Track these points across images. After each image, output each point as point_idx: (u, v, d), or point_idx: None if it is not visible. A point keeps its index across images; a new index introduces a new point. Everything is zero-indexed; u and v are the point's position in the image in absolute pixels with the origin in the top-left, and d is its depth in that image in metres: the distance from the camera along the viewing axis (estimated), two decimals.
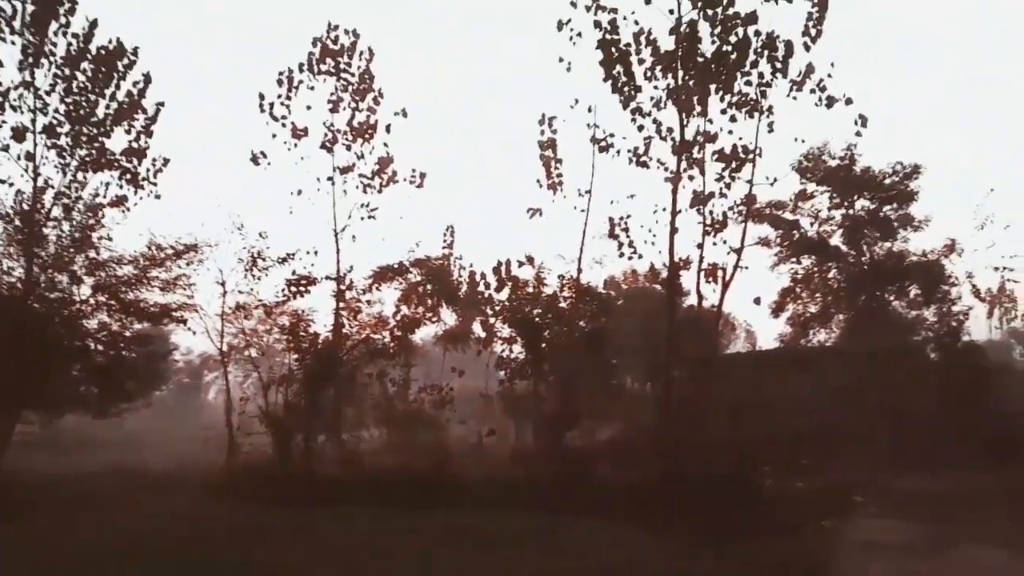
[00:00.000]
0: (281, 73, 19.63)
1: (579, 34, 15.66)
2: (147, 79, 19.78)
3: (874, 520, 13.13)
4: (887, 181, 31.92)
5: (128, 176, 20.04)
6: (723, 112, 15.72)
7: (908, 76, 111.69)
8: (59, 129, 19.15)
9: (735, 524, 11.64)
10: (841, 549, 10.85)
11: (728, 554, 9.92)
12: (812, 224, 32.90)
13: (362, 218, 20.49)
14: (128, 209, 20.16)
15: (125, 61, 19.64)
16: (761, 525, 11.92)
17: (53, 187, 19.27)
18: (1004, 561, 10.18)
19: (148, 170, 20.18)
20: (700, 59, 15.79)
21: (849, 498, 14.73)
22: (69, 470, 19.71)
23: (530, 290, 19.96)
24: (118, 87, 19.60)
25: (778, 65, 15.58)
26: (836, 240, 33.38)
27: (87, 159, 19.59)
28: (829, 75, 16.07)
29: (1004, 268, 33.25)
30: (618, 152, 16.72)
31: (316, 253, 20.26)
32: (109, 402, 21.26)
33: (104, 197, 19.93)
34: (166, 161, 20.34)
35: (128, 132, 19.75)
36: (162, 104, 20.02)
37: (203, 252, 21.68)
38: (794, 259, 33.43)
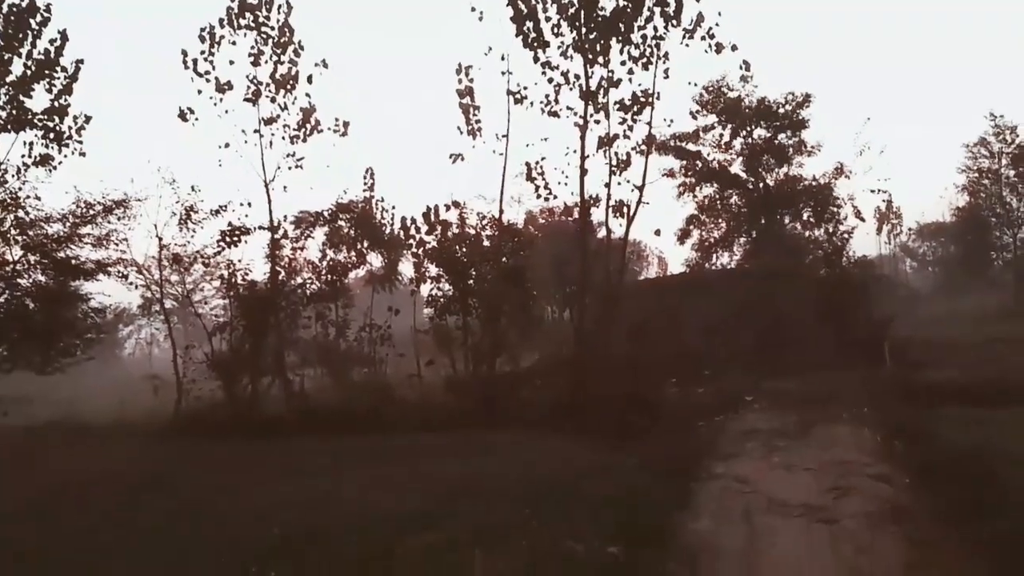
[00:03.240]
0: (203, 29, 19.99)
1: None
2: (63, 36, 19.73)
3: (757, 414, 15.55)
4: (781, 111, 34.30)
5: (51, 135, 20.22)
6: (622, 64, 17.36)
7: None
8: None
9: (638, 428, 13.75)
10: (727, 436, 13.13)
11: (631, 450, 11.93)
12: (713, 154, 35.15)
13: (290, 168, 21.25)
14: (54, 168, 20.39)
15: (38, 19, 19.63)
16: (663, 426, 14.12)
17: None
18: (846, 433, 12.70)
19: (70, 128, 20.36)
20: (601, 12, 17.31)
21: (739, 399, 17.22)
22: (20, 423, 20.50)
23: (455, 231, 21.27)
24: (34, 45, 19.61)
25: (671, 18, 17.20)
26: (736, 168, 35.81)
27: (7, 119, 19.71)
28: (717, 24, 17.81)
29: (879, 191, 36.30)
30: (531, 104, 18.15)
31: (250, 205, 21.03)
32: (51, 359, 21.90)
33: (28, 157, 20.13)
34: (88, 118, 20.41)
35: (49, 91, 19.88)
36: (81, 61, 20.01)
37: (133, 207, 22.16)
38: (697, 187, 35.73)
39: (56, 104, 20.05)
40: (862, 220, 33.77)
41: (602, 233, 20.61)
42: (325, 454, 13.99)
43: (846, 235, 32.03)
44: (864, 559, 6.65)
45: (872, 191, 35.55)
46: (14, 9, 19.26)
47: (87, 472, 13.64)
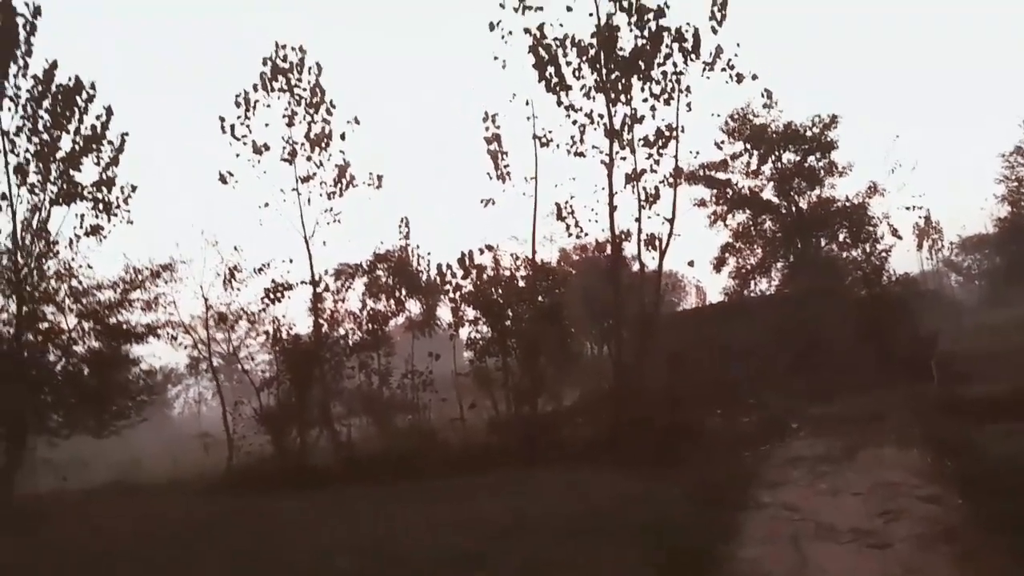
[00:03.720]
0: (238, 95, 20.96)
1: (510, 32, 17.54)
2: (108, 112, 20.95)
3: (802, 440, 15.43)
4: (808, 133, 34.24)
5: (100, 205, 21.19)
6: (644, 101, 17.75)
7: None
8: (28, 167, 20.27)
9: (678, 457, 13.75)
10: (772, 464, 13.06)
11: (674, 479, 11.94)
12: (743, 181, 35.11)
13: (328, 222, 21.99)
14: (104, 237, 21.35)
15: (84, 96, 20.76)
16: (706, 455, 14.07)
17: (31, 224, 20.43)
18: (893, 454, 12.56)
19: (118, 197, 21.33)
20: (620, 52, 17.76)
21: (784, 425, 17.07)
22: (78, 486, 21.12)
23: (490, 273, 21.63)
24: (81, 121, 20.73)
25: (689, 53, 17.57)
26: (768, 194, 35.68)
27: (58, 194, 20.72)
28: (736, 55, 18.14)
29: (914, 207, 35.83)
30: (558, 146, 18.60)
31: (291, 261, 21.80)
32: (105, 422, 22.61)
33: (80, 228, 21.09)
34: (134, 188, 21.55)
35: (97, 164, 20.92)
36: (126, 134, 21.20)
37: (178, 270, 23.05)
38: (730, 215, 35.62)
39: (104, 176, 21.12)
40: (899, 238, 33.33)
41: (636, 266, 20.78)
42: (373, 500, 14.22)
43: (884, 253, 31.60)
44: None
45: (907, 208, 35.07)
46: (61, 88, 20.43)
47: (147, 528, 14.12)
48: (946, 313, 43.55)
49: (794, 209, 35.15)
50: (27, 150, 20.15)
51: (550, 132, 18.58)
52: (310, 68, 21.52)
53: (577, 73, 17.56)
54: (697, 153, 22.01)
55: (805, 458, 13.10)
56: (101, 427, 22.22)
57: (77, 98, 20.55)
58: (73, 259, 21.16)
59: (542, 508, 10.91)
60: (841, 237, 34.56)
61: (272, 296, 21.76)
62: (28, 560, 11.89)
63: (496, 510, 11.28)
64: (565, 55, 17.40)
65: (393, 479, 16.64)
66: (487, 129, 20.56)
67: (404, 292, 25.63)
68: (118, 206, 21.36)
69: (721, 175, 34.44)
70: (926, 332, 23.96)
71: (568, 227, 19.68)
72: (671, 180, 19.11)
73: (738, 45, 18.19)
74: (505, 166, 20.65)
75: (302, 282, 22.00)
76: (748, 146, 34.25)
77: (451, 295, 21.92)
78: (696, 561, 7.49)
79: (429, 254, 25.64)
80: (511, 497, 12.32)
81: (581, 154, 18.25)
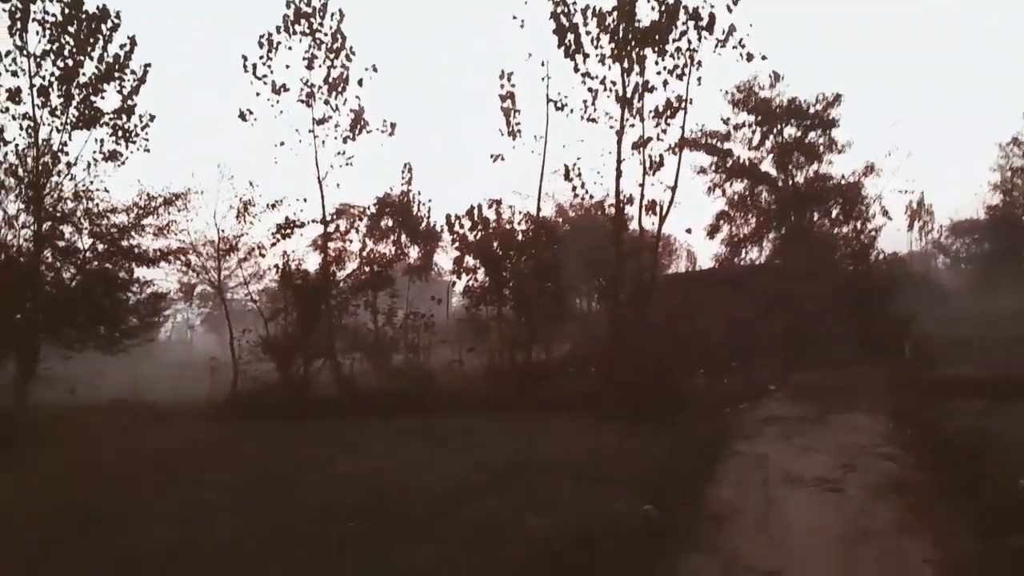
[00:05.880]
0: (261, 36, 21.37)
1: None
2: (132, 42, 21.38)
3: (779, 403, 16.65)
4: (811, 110, 34.89)
5: (119, 132, 21.77)
6: (657, 74, 18.44)
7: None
8: (51, 90, 20.78)
9: (667, 414, 14.87)
10: (750, 421, 14.24)
11: (661, 433, 13.04)
12: (743, 153, 35.82)
13: (341, 165, 22.61)
14: (122, 163, 21.97)
15: (109, 25, 21.17)
16: (691, 413, 15.21)
17: (52, 145, 21.03)
18: (862, 421, 13.77)
19: (136, 125, 21.90)
20: (638, 23, 18.39)
21: (763, 389, 18.27)
22: (86, 402, 22.09)
23: (493, 226, 22.42)
24: (105, 49, 21.18)
25: (703, 30, 18.20)
26: (767, 166, 36.43)
27: (79, 118, 21.27)
28: (748, 34, 18.75)
29: (906, 191, 36.79)
30: (572, 111, 19.28)
31: (305, 200, 22.51)
32: (116, 340, 23.55)
33: (99, 152, 21.70)
34: (152, 117, 22.03)
35: (119, 92, 21.44)
36: (149, 65, 21.65)
37: (192, 199, 23.79)
38: (728, 183, 36.39)
39: (125, 104, 21.64)
40: (889, 219, 34.29)
41: (633, 225, 21.54)
42: (378, 434, 15.26)
43: (873, 233, 32.58)
44: (864, 519, 7.77)
45: (900, 191, 36.03)
46: (86, 15, 20.82)
47: (165, 447, 15.10)
48: (931, 296, 44.82)
49: (791, 182, 35.90)
50: (52, 73, 20.57)
51: (565, 97, 19.26)
52: (332, 14, 21.88)
53: (595, 42, 18.21)
54: (703, 126, 22.76)
55: (781, 418, 14.32)
56: (112, 343, 23.20)
57: (103, 26, 20.93)
58: (92, 182, 21.77)
59: (543, 451, 11.90)
60: (834, 213, 35.40)
61: (284, 232, 22.56)
62: (56, 471, 12.61)
63: (497, 450, 12.15)
64: (586, 23, 18.02)
65: (393, 414, 17.75)
66: (502, 87, 21.17)
67: (405, 237, 26.38)
68: (136, 134, 21.89)
69: (723, 145, 35.18)
70: (904, 313, 25.09)
71: (575, 188, 20.52)
72: (676, 149, 19.88)
73: (750, 25, 18.84)
74: (517, 124, 21.32)
75: (313, 220, 22.78)
76: (754, 118, 34.84)
77: (456, 244, 22.65)
78: (680, 498, 8.60)
79: (430, 201, 26.34)
80: (511, 439, 13.31)
81: (593, 120, 18.98)
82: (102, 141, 21.58)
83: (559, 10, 17.97)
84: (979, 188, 64.33)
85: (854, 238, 33.67)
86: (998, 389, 15.25)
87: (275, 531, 7.92)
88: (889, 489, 8.76)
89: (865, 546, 7.19)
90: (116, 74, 21.33)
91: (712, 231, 36.07)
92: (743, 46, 18.73)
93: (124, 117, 21.79)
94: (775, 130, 35.45)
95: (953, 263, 66.59)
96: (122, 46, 21.25)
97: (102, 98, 21.38)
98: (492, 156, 21.56)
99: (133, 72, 21.49)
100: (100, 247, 22.78)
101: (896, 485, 8.92)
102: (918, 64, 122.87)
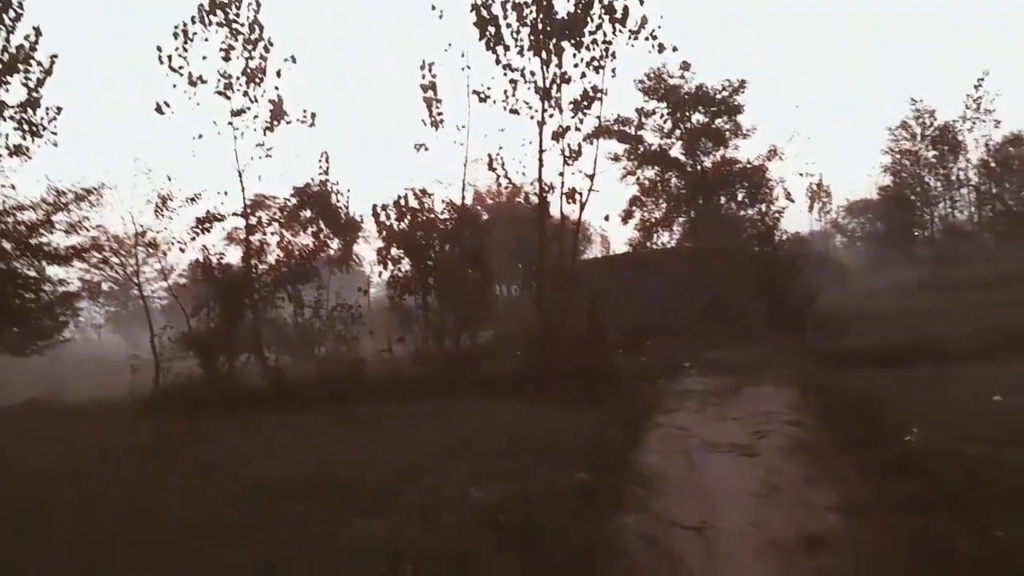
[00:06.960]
0: (176, 27, 20.95)
1: None
2: (38, 32, 20.63)
3: (694, 378, 17.77)
4: (718, 96, 36.53)
5: (25, 125, 21.04)
6: (575, 66, 19.16)
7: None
8: None
9: (596, 394, 15.66)
10: (668, 396, 15.21)
11: (589, 410, 13.81)
12: (654, 140, 37.26)
13: (261, 157, 22.40)
14: (28, 158, 21.26)
15: (12, 14, 20.39)
16: (612, 391, 16.05)
17: None
18: (769, 391, 14.95)
19: (43, 119, 21.20)
20: (555, 15, 19.04)
21: (679, 366, 19.38)
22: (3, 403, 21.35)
23: (420, 217, 22.73)
24: (8, 40, 20.41)
25: (618, 23, 19.00)
26: (676, 152, 38.00)
27: None
28: (659, 26, 19.64)
29: (806, 174, 39.11)
30: (494, 101, 19.77)
31: (226, 193, 22.22)
32: (28, 341, 22.80)
33: (3, 147, 20.92)
34: (59, 109, 21.37)
35: (25, 84, 20.70)
36: (55, 56, 20.96)
37: (105, 195, 23.11)
38: (640, 170, 37.80)
39: (31, 97, 20.91)
40: (791, 201, 36.33)
41: (555, 212, 22.23)
42: (312, 423, 15.39)
43: (777, 214, 34.49)
44: (774, 477, 8.71)
45: (800, 174, 38.22)
46: None
47: (87, 445, 14.78)
48: (831, 273, 47.65)
49: (699, 167, 37.64)
50: None
51: (487, 88, 19.74)
52: (249, 4, 21.60)
53: (515, 34, 18.76)
54: (618, 115, 23.71)
55: (697, 392, 15.38)
56: (24, 345, 22.45)
57: (4, 16, 20.17)
58: None
59: (477, 432, 12.31)
60: (740, 196, 37.39)
61: (204, 227, 22.27)
62: None
63: (434, 433, 12.50)
64: (506, 16, 18.55)
65: (324, 405, 17.90)
66: (423, 77, 21.45)
67: (324, 228, 26.29)
68: (44, 127, 21.21)
69: (636, 132, 36.46)
70: (806, 291, 26.85)
71: (498, 177, 21.10)
72: (593, 138, 20.69)
73: (661, 17, 19.76)
74: (439, 114, 21.67)
75: (234, 214, 22.56)
76: (664, 105, 36.18)
77: (382, 234, 22.85)
78: (609, 465, 9.34)
79: (349, 191, 26.30)
80: (446, 421, 13.74)
81: (515, 111, 19.52)
82: (7, 135, 20.87)
83: (480, 2, 18.41)
84: (872, 170, 68.45)
85: (759, 220, 35.53)
86: (891, 357, 16.74)
87: (230, 515, 8.18)
88: (796, 450, 9.77)
89: (776, 499, 8.10)
90: (20, 66, 20.62)
91: (626, 216, 37.45)
92: (655, 37, 19.61)
93: (30, 110, 21.08)
94: (684, 116, 36.97)
95: (850, 242, 70.62)
96: (26, 36, 20.52)
97: (6, 91, 20.70)
98: (416, 146, 21.88)
99: (39, 63, 20.79)
100: (7, 246, 21.96)
101: (802, 446, 9.94)
102: (817, 50, 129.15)
